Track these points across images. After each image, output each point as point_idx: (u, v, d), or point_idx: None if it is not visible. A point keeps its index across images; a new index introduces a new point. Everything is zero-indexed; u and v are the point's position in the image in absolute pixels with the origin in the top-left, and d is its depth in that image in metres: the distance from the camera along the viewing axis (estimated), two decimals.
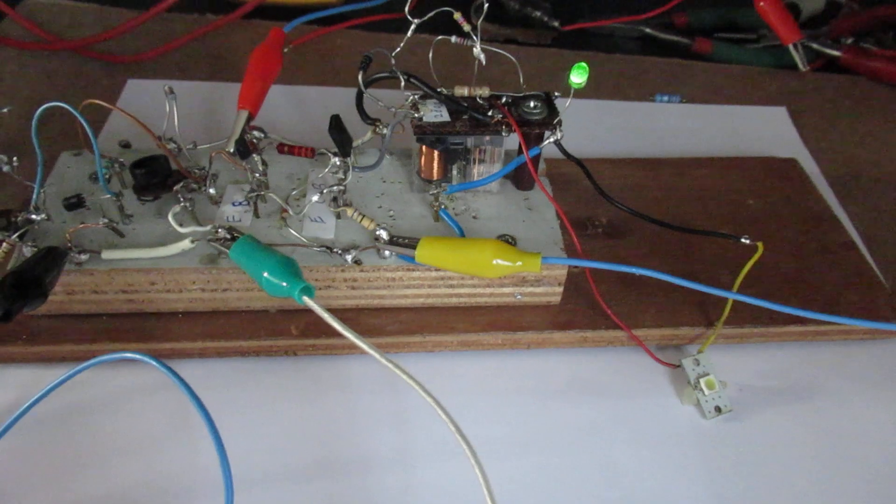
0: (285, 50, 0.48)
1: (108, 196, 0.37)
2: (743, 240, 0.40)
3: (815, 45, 0.66)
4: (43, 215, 0.36)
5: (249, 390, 0.37)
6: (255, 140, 0.41)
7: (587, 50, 0.66)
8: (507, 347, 0.40)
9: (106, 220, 0.36)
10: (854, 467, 0.36)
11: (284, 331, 0.38)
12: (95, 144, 0.36)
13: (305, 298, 0.31)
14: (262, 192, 0.39)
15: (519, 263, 0.35)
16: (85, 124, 0.35)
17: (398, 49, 0.38)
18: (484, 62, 0.38)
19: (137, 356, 0.29)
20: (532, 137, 0.39)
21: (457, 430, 0.27)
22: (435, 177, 0.41)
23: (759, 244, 0.40)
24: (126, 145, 0.43)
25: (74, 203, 0.38)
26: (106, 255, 0.36)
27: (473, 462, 0.26)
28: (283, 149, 0.40)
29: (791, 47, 0.63)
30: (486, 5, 0.37)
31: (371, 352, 0.29)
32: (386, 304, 0.39)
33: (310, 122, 0.55)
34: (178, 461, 0.34)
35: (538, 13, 0.67)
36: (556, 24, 0.67)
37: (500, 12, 0.69)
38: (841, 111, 0.61)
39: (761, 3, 0.62)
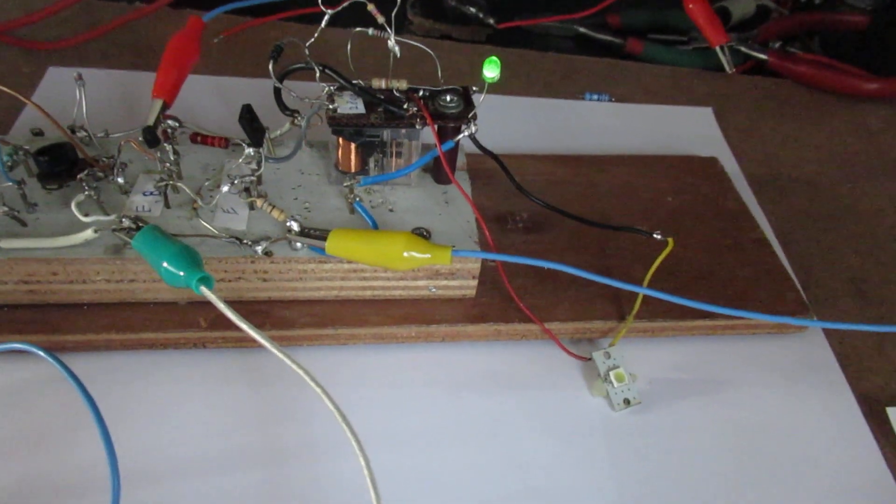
0: (215, 40, 0.47)
1: (10, 184, 0.36)
2: (655, 235, 0.41)
3: (743, 49, 0.67)
4: None
5: (155, 384, 0.37)
6: (168, 129, 0.40)
7: (521, 48, 0.66)
8: (420, 340, 0.40)
9: (6, 209, 0.35)
10: (760, 458, 0.37)
11: (193, 323, 0.37)
12: None
13: (203, 288, 0.30)
14: (173, 182, 0.38)
15: (428, 256, 0.35)
16: None
17: (312, 39, 0.38)
18: (398, 54, 0.38)
19: (25, 346, 0.28)
20: (448, 131, 0.39)
21: (343, 420, 0.27)
22: (352, 169, 0.40)
23: (670, 239, 0.41)
24: (38, 133, 0.42)
25: None
26: (5, 243, 0.35)
27: (358, 452, 0.26)
28: (196, 138, 0.40)
29: (718, 49, 0.64)
30: (399, 1, 0.37)
31: (264, 342, 0.28)
32: (299, 296, 0.39)
33: (238, 113, 0.54)
34: (71, 456, 0.33)
35: (474, 10, 0.68)
36: (491, 21, 0.68)
37: (437, 8, 0.69)
38: (764, 113, 0.63)
39: (690, 6, 0.63)
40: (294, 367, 0.27)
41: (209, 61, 0.57)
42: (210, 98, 0.55)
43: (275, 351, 0.28)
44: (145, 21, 0.61)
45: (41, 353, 0.28)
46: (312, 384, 0.27)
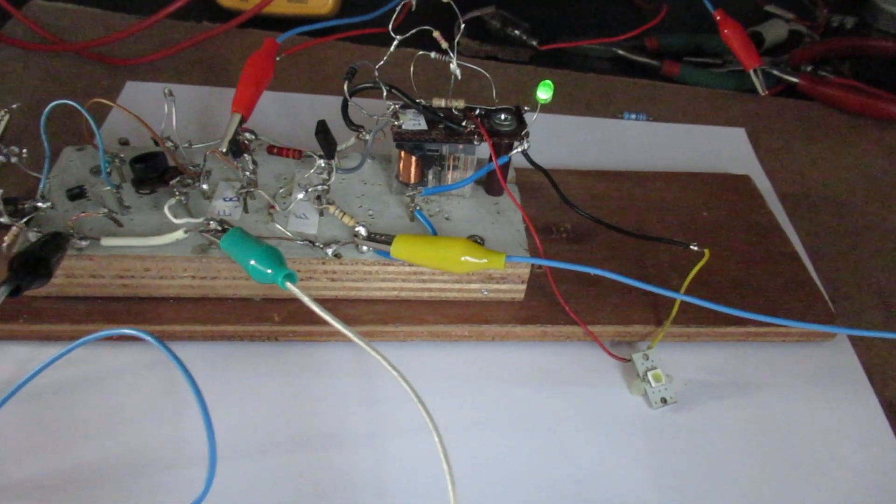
0: (278, 58, 0.51)
1: (109, 188, 0.40)
2: (692, 247, 0.44)
3: (775, 72, 0.70)
4: (48, 204, 0.39)
5: (233, 372, 0.40)
6: (246, 141, 0.44)
7: (562, 68, 0.70)
8: (473, 339, 0.43)
9: (106, 210, 0.40)
10: (787, 457, 0.40)
11: (267, 318, 0.41)
12: (100, 139, 0.39)
13: (288, 284, 0.34)
14: (252, 190, 0.42)
15: (485, 261, 0.39)
16: (91, 121, 0.38)
17: (382, 62, 0.41)
18: (459, 77, 0.42)
19: (136, 332, 0.32)
20: (502, 147, 0.42)
21: (426, 413, 0.30)
22: (412, 180, 0.44)
23: (706, 251, 0.44)
24: (125, 142, 0.46)
25: (77, 193, 0.41)
26: (105, 242, 0.39)
27: (436, 436, 0.29)
28: (272, 150, 0.44)
29: (752, 73, 0.67)
30: (463, 26, 0.41)
31: (347, 332, 0.32)
32: (363, 295, 0.42)
33: (299, 126, 0.58)
34: (165, 434, 0.37)
35: (518, 32, 0.72)
36: (534, 43, 0.71)
37: (483, 30, 0.73)
38: (796, 134, 0.66)
39: (726, 31, 0.66)
40: (378, 357, 0.31)
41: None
42: (273, 112, 0.59)
43: (358, 341, 0.32)
44: (215, 40, 0.65)
45: (149, 339, 0.32)
46: (394, 373, 0.31)
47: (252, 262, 0.35)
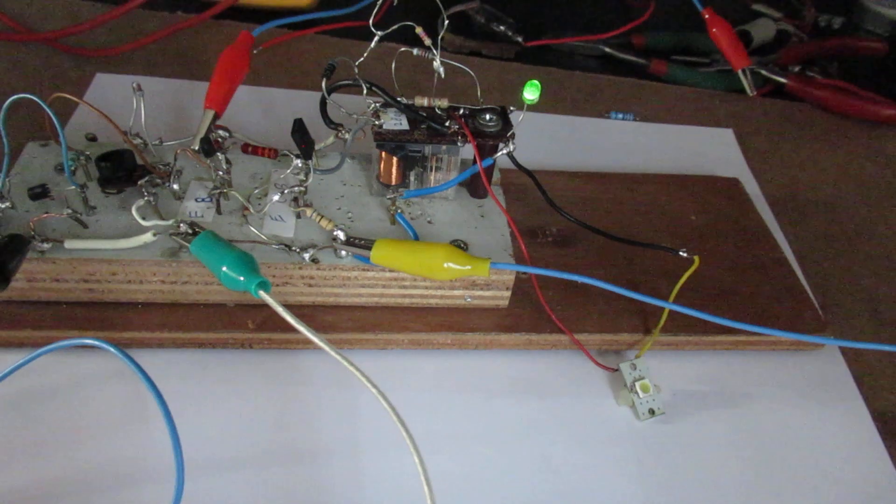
0: (254, 52, 0.49)
1: (73, 187, 0.38)
2: (681, 253, 0.43)
3: (763, 72, 0.69)
4: (7, 203, 0.37)
5: (205, 381, 0.39)
6: (220, 139, 0.42)
7: (548, 66, 0.68)
8: (455, 347, 0.41)
9: (70, 211, 0.37)
10: (778, 470, 0.39)
11: (241, 324, 0.39)
12: (63, 135, 0.37)
13: (261, 293, 0.32)
14: (225, 190, 0.40)
15: (468, 267, 0.37)
16: (53, 116, 0.36)
17: (362, 58, 0.40)
18: (443, 75, 0.40)
19: (96, 342, 0.30)
20: (486, 148, 0.41)
21: (401, 424, 0.28)
22: (393, 182, 0.42)
23: (696, 258, 0.43)
24: (93, 139, 0.44)
25: (39, 193, 0.39)
26: (69, 244, 0.37)
27: (415, 456, 0.28)
28: (246, 149, 0.42)
29: (740, 73, 0.66)
30: (447, 22, 0.39)
31: (320, 343, 0.30)
32: (341, 301, 0.41)
33: (276, 123, 0.56)
34: (131, 447, 0.35)
35: (503, 28, 0.70)
36: (519, 39, 0.70)
37: (467, 25, 0.71)
38: (784, 135, 0.65)
39: (714, 30, 0.65)
40: (351, 368, 0.29)
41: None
42: (249, 107, 0.57)
43: (330, 351, 0.30)
44: (189, 32, 0.63)
45: (111, 349, 0.30)
46: (369, 385, 0.29)
47: (224, 269, 0.33)
